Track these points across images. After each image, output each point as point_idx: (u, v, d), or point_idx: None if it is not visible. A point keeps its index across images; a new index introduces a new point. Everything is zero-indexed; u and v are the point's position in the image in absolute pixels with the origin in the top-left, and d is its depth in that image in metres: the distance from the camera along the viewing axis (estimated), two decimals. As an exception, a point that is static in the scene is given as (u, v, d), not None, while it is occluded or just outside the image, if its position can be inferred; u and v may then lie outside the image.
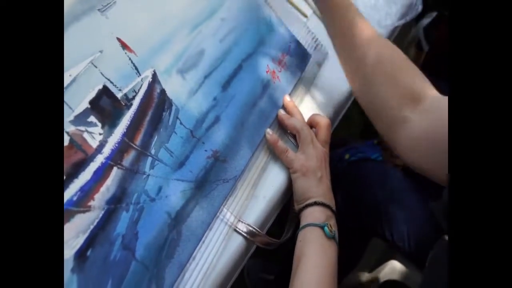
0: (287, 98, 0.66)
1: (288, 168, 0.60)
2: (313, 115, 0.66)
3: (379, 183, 0.81)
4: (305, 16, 0.79)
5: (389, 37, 0.88)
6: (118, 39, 0.49)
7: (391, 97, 0.55)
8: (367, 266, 1.03)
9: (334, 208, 0.58)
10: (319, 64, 0.76)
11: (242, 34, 0.63)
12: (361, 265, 1.00)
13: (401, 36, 1.15)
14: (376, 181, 0.82)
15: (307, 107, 0.70)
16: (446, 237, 0.51)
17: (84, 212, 0.40)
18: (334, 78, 0.75)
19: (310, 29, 0.76)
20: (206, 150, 0.52)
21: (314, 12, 0.80)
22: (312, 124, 0.65)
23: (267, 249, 0.55)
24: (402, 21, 0.86)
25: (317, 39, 0.76)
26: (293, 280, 0.51)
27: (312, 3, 0.79)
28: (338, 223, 0.57)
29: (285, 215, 0.61)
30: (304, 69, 0.72)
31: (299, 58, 0.71)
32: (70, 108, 0.43)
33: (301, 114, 0.65)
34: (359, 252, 0.94)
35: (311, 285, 0.50)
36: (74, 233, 0.39)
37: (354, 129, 1.53)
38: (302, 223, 0.55)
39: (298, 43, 0.72)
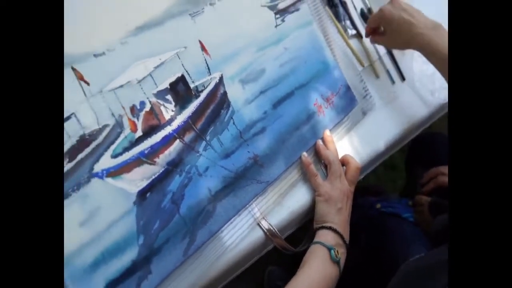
0: (327, 132, 0.86)
1: (314, 191, 0.80)
2: (346, 155, 0.87)
3: (405, 242, 0.97)
4: (362, 65, 1.01)
5: (437, 112, 1.08)
6: (200, 42, 0.72)
7: None
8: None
9: (346, 240, 0.76)
10: (365, 113, 0.97)
11: (300, 65, 0.86)
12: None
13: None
14: (402, 239, 0.98)
15: (344, 147, 0.90)
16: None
17: (150, 164, 0.61)
18: (376, 129, 0.96)
19: (363, 79, 0.98)
20: (248, 152, 0.73)
21: (371, 64, 1.03)
22: (343, 163, 0.85)
23: (284, 253, 0.75)
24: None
25: (367, 89, 0.98)
26: (289, 283, 0.69)
27: (372, 56, 1.03)
28: (359, 266, 0.75)
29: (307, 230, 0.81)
30: (348, 113, 0.93)
31: (346, 102, 0.93)
32: (155, 83, 0.65)
33: (336, 150, 0.85)
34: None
35: None
36: (140, 177, 0.60)
37: (400, 183, 1.74)
38: (315, 240, 0.75)
39: (348, 88, 0.94)
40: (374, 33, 0.96)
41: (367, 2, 1.06)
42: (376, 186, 1.10)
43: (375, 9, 1.06)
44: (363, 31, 1.03)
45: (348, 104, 0.93)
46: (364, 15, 1.05)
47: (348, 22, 1.02)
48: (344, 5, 1.03)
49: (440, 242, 0.85)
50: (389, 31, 0.91)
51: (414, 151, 1.29)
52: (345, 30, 1.01)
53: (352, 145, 0.93)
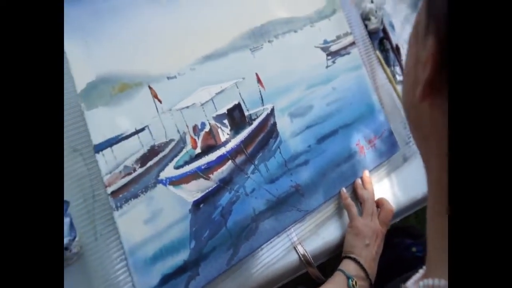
0: (366, 173, 1.01)
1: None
2: (382, 198, 1.00)
3: None
4: (406, 112, 1.17)
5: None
6: (256, 74, 0.90)
7: None
8: None
9: (370, 276, 0.87)
10: (405, 159, 1.11)
11: (346, 106, 1.02)
12: None
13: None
14: None
15: (382, 189, 1.04)
16: None
17: (205, 179, 0.78)
18: (415, 177, 1.08)
19: (407, 126, 1.14)
20: (291, 180, 0.89)
21: (415, 112, 1.18)
22: (378, 204, 0.99)
23: (314, 280, 0.90)
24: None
25: (410, 136, 1.14)
26: None
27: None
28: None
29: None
30: (389, 157, 1.08)
31: (387, 146, 1.07)
32: (215, 108, 0.83)
33: (373, 191, 0.99)
34: None
35: None
36: (196, 189, 0.77)
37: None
38: (338, 267, 0.87)
39: (391, 133, 1.09)
40: None
41: (418, 51, 1.23)
42: (414, 228, 1.23)
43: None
44: (411, 79, 1.19)
45: (390, 149, 1.08)
46: (413, 63, 1.22)
47: (397, 68, 1.19)
48: (395, 51, 1.20)
49: None
50: None
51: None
52: (394, 76, 1.16)
53: (390, 188, 1.06)
